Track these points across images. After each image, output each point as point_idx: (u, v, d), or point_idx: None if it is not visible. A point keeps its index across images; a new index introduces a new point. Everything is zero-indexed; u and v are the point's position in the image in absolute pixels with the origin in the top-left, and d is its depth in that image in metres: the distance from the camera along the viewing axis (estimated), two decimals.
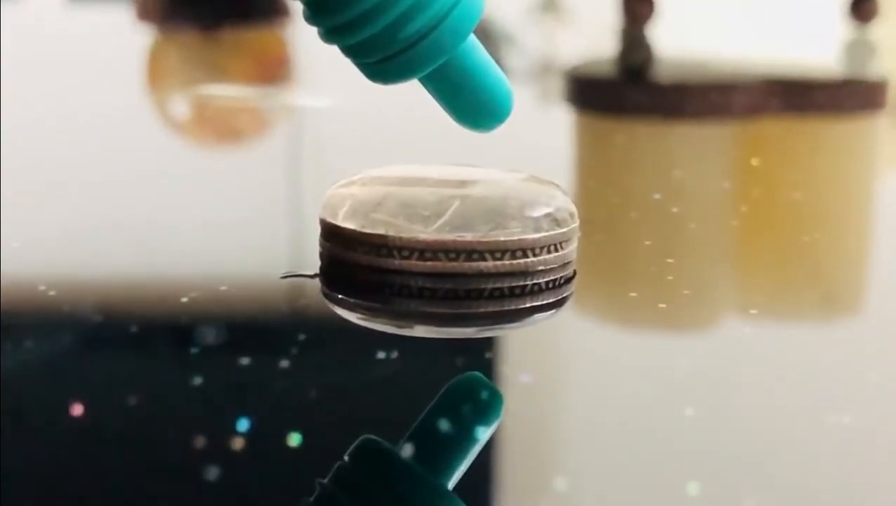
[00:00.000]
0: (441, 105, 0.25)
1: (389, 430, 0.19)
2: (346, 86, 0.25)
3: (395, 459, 0.19)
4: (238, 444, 0.18)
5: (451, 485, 0.18)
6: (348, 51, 0.24)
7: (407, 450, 0.19)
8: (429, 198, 0.25)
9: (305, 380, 0.21)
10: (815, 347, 0.25)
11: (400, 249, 0.24)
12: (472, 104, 0.25)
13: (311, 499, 0.17)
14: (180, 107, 0.55)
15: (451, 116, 0.25)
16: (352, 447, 0.19)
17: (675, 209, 0.35)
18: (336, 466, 0.18)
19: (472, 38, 0.24)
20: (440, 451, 0.19)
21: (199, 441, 0.18)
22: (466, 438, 0.19)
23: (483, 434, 0.20)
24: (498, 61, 0.25)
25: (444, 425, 0.20)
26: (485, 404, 0.21)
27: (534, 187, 0.26)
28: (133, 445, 0.19)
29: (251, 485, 0.17)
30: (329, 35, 0.24)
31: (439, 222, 0.24)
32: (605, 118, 0.51)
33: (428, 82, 0.25)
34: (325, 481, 0.18)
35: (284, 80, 0.65)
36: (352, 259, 0.25)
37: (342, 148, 0.42)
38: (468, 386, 0.22)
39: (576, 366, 0.23)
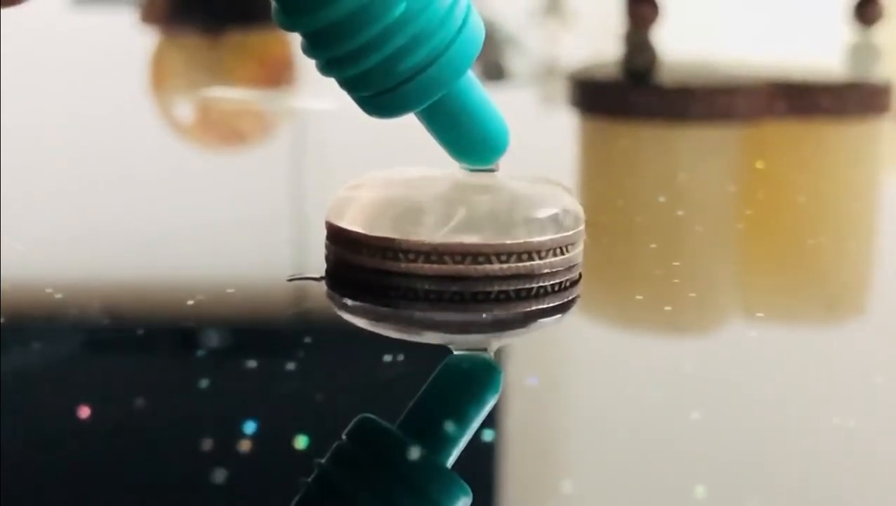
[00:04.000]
0: (437, 140, 0.25)
1: None
2: None
3: (393, 438, 0.19)
4: (244, 446, 0.18)
5: (449, 463, 0.18)
6: (346, 83, 0.24)
7: (405, 429, 0.19)
8: (434, 201, 0.25)
9: (311, 383, 0.21)
10: (821, 350, 0.25)
11: (406, 252, 0.24)
12: (469, 139, 0.25)
13: (310, 479, 0.17)
14: (184, 109, 0.55)
15: (447, 151, 0.25)
16: (349, 427, 0.19)
17: (680, 212, 0.35)
18: (334, 445, 0.18)
19: (470, 73, 0.25)
20: (438, 429, 0.19)
21: (206, 444, 0.18)
22: (465, 415, 0.20)
23: (482, 411, 0.20)
24: (502, 64, 0.25)
25: (442, 403, 0.20)
26: (483, 380, 0.21)
27: (539, 190, 0.26)
28: (139, 448, 0.19)
29: (257, 487, 0.17)
30: (327, 67, 0.24)
31: (446, 226, 0.24)
32: (609, 121, 0.51)
33: (425, 116, 0.25)
34: (323, 460, 0.18)
35: (288, 82, 0.65)
36: (357, 262, 0.25)
37: (346, 151, 0.42)
38: (465, 364, 0.22)
39: (581, 369, 0.23)
